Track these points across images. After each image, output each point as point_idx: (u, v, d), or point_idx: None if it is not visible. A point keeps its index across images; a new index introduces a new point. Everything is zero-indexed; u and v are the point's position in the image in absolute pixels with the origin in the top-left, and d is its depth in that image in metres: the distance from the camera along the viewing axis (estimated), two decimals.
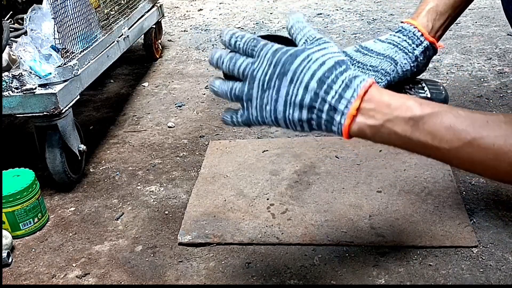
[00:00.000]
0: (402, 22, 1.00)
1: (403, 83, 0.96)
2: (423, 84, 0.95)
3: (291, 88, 0.72)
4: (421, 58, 0.97)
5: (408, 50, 0.96)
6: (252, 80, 0.75)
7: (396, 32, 0.98)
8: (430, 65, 2.23)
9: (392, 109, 0.69)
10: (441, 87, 0.95)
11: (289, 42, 0.80)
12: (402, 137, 0.69)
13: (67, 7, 1.49)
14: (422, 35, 0.97)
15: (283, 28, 2.92)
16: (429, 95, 0.91)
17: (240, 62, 0.76)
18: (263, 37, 0.80)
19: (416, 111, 0.68)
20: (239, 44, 0.77)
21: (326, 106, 0.70)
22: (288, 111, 0.73)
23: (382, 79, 0.95)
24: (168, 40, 2.89)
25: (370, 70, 0.96)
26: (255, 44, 0.76)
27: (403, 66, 0.96)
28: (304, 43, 0.77)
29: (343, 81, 0.70)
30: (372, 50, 0.98)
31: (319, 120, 0.72)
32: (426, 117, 0.67)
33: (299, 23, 0.78)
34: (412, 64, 0.96)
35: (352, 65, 0.96)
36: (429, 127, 0.68)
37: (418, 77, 0.99)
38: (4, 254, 1.24)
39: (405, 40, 0.96)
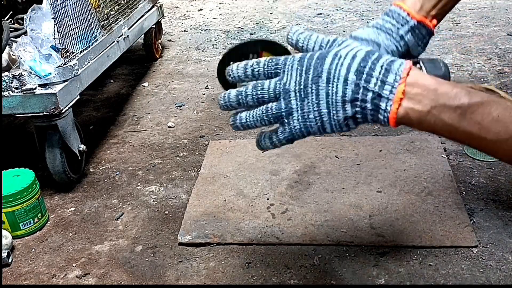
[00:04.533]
0: (391, 5, 0.97)
1: None
2: (420, 63, 0.94)
3: (330, 86, 0.70)
4: (409, 37, 0.94)
5: (391, 30, 0.94)
6: (286, 94, 0.72)
7: (383, 16, 0.96)
8: None
9: (438, 95, 0.67)
10: (440, 64, 0.93)
11: (280, 48, 0.80)
12: (448, 125, 0.68)
13: (67, 7, 1.49)
14: (408, 14, 0.93)
15: (283, 28, 2.92)
16: (425, 73, 0.90)
17: (267, 85, 0.73)
18: (251, 42, 0.79)
19: (464, 100, 0.66)
20: (259, 70, 0.74)
21: (370, 95, 0.69)
22: (332, 112, 0.71)
23: None
24: (168, 40, 2.88)
25: None
26: (276, 62, 0.74)
27: (387, 47, 0.94)
28: (321, 48, 0.75)
29: (381, 67, 0.68)
30: (358, 37, 0.95)
31: (364, 111, 0.70)
32: (474, 107, 0.66)
33: (303, 34, 0.77)
34: (397, 44, 0.94)
35: None
36: (477, 117, 0.66)
37: (420, 57, 0.97)
38: (4, 254, 1.24)
39: (389, 22, 0.94)
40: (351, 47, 0.72)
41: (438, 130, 0.70)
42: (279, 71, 0.73)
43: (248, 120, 0.76)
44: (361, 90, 0.69)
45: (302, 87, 0.71)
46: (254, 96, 0.74)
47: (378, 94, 0.68)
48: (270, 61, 0.74)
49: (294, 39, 0.77)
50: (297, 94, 0.72)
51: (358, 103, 0.70)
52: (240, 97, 0.75)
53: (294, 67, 0.72)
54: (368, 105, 0.69)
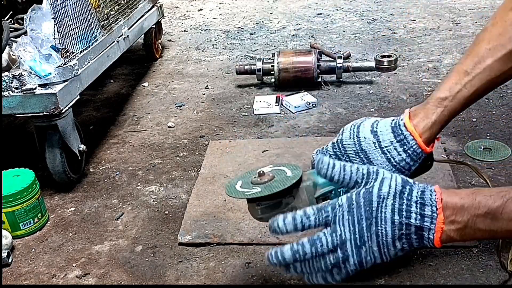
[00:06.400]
0: (404, 120, 0.96)
1: None
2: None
3: (380, 228, 0.76)
4: (413, 169, 0.98)
5: (405, 169, 0.97)
6: (343, 244, 0.78)
7: (397, 140, 0.96)
8: (430, 65, 2.24)
9: (467, 210, 0.75)
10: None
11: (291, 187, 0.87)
12: (487, 231, 0.75)
13: (67, 7, 1.49)
14: (422, 151, 0.96)
15: (283, 28, 2.92)
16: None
17: (325, 240, 0.78)
18: (267, 197, 0.86)
19: (490, 205, 0.74)
20: (310, 224, 0.79)
21: (413, 228, 0.76)
22: (384, 250, 0.78)
23: None
24: (168, 40, 2.89)
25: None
26: (326, 214, 0.79)
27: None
28: (357, 184, 0.81)
29: (416, 202, 0.76)
30: (371, 161, 0.97)
31: (410, 242, 0.77)
32: (500, 208, 0.73)
33: (336, 168, 0.82)
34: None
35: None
36: (508, 214, 0.73)
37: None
38: (4, 254, 1.24)
39: (404, 159, 0.96)
40: (388, 182, 0.78)
41: (480, 237, 0.78)
42: (329, 221, 0.78)
43: (305, 271, 0.81)
44: (404, 226, 0.76)
45: (357, 236, 0.77)
46: (313, 253, 0.79)
47: (420, 227, 0.76)
48: (320, 214, 0.79)
49: (328, 174, 0.82)
50: (353, 243, 0.78)
51: (404, 237, 0.77)
52: (297, 255, 0.79)
53: (345, 217, 0.77)
54: (413, 236, 0.77)
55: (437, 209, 0.75)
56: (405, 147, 0.95)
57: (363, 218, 0.76)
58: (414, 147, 0.95)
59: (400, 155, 0.95)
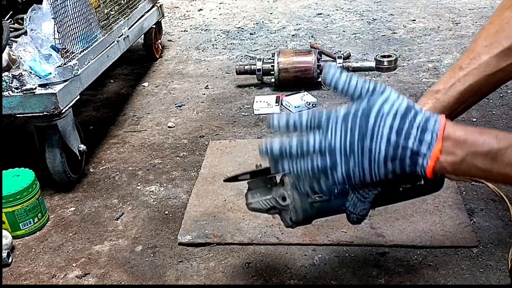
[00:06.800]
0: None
1: None
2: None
3: (373, 144, 0.75)
4: None
5: None
6: (332, 151, 0.76)
7: None
8: (430, 65, 2.24)
9: (469, 145, 0.72)
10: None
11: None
12: (482, 170, 0.73)
13: (67, 7, 1.49)
14: None
15: (283, 28, 2.92)
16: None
17: (312, 141, 0.77)
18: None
19: (493, 145, 0.72)
20: (301, 125, 0.78)
21: (408, 152, 0.74)
22: (374, 168, 0.76)
23: None
24: (168, 40, 2.89)
25: None
26: (318, 119, 0.78)
27: None
28: (359, 97, 0.79)
29: (417, 128, 0.74)
30: None
31: (403, 166, 0.75)
32: (504, 150, 0.71)
33: (342, 77, 0.80)
34: None
35: None
36: (508, 159, 0.71)
37: None
38: (4, 254, 1.24)
39: None
40: (392, 102, 0.76)
41: (474, 175, 0.75)
42: (322, 125, 0.77)
43: (291, 171, 0.80)
44: (400, 148, 0.74)
45: (348, 145, 0.75)
46: (298, 151, 0.78)
47: (416, 152, 0.74)
48: (313, 117, 0.78)
49: (332, 82, 0.80)
50: (342, 151, 0.76)
51: (398, 160, 0.75)
52: (283, 149, 0.79)
53: (339, 125, 0.76)
54: (407, 161, 0.75)
55: (437, 136, 0.73)
56: None
57: (356, 128, 0.75)
58: None
59: None
